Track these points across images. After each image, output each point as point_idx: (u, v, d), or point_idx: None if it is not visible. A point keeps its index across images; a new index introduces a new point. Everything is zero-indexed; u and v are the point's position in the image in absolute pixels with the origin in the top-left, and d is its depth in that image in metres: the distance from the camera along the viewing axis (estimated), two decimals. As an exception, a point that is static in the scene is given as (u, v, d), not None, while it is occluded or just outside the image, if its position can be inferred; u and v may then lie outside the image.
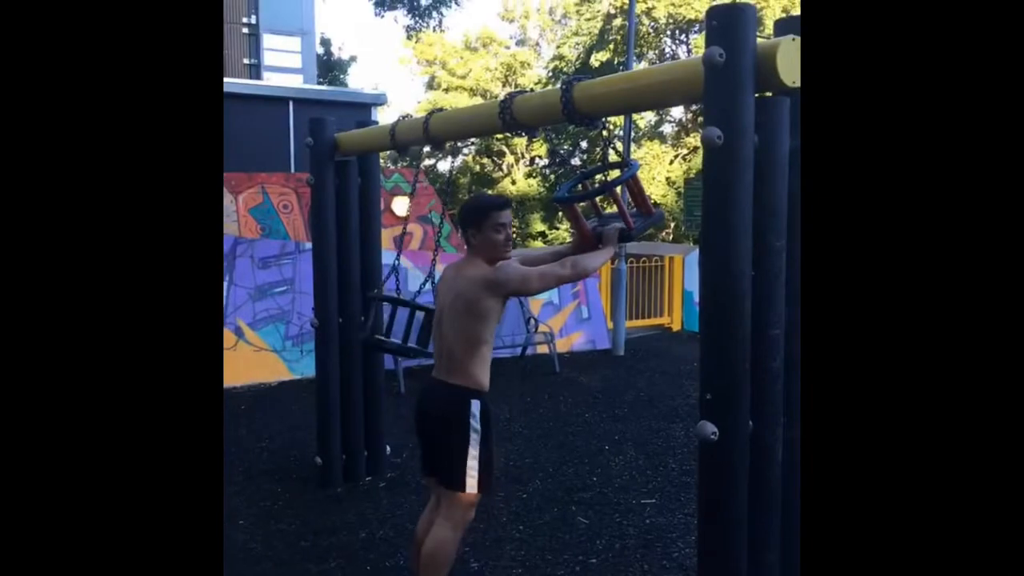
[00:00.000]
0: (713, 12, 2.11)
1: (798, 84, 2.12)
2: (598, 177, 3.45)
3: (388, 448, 4.74)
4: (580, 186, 3.23)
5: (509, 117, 3.03)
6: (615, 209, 3.12)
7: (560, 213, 27.17)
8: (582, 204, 3.10)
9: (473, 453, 2.72)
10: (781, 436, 2.30)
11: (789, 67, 2.09)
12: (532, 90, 3.14)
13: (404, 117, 3.98)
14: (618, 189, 3.45)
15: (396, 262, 5.26)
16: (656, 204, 3.13)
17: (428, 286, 5.12)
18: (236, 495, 4.31)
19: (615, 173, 3.13)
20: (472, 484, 2.73)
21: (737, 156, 2.08)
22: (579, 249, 2.94)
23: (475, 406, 2.73)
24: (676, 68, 2.38)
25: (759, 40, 2.12)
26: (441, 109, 3.89)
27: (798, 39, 2.11)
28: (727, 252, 2.12)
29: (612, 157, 3.14)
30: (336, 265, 4.46)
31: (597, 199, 3.22)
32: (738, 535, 2.23)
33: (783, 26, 2.22)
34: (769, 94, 2.19)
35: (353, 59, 29.41)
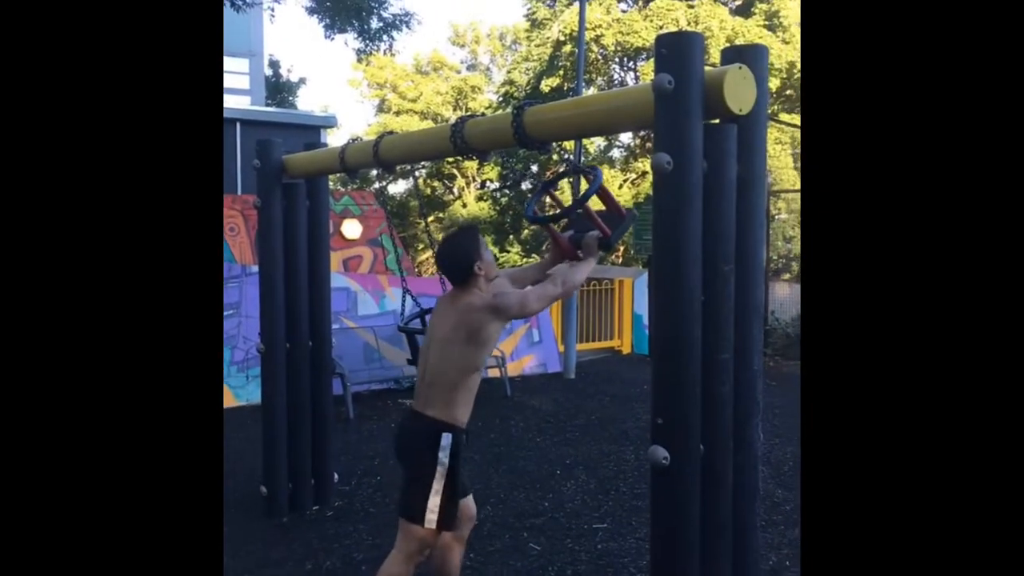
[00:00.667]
0: (662, 40, 2.13)
1: (745, 111, 2.16)
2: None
3: (336, 476, 4.64)
4: (548, 199, 3.25)
5: (460, 141, 3.02)
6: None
7: (511, 236, 27.30)
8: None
9: (436, 488, 2.65)
10: (731, 460, 2.31)
11: (736, 95, 2.12)
12: (483, 114, 3.14)
13: (354, 140, 3.95)
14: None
15: (405, 289, 5.31)
16: (628, 208, 3.15)
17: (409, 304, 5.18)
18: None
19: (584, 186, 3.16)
20: (431, 520, 2.66)
21: (687, 181, 2.10)
22: (557, 261, 2.96)
23: (446, 439, 2.68)
24: (625, 94, 2.40)
25: (707, 68, 2.15)
26: (391, 132, 3.86)
27: (745, 67, 2.15)
28: (677, 277, 2.13)
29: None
30: (284, 289, 4.37)
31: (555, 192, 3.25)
32: (691, 559, 2.22)
33: (730, 55, 2.26)
34: (717, 121, 2.22)
35: (303, 81, 29.21)
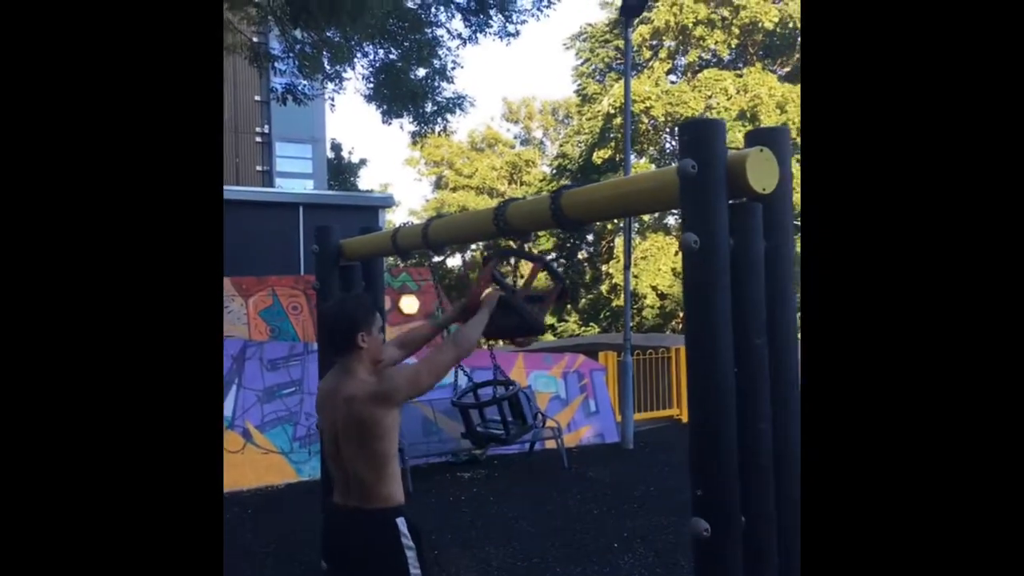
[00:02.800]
0: (684, 127, 2.26)
1: (769, 190, 2.25)
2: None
3: (394, 551, 4.70)
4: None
5: (503, 223, 3.17)
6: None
7: (568, 306, 27.32)
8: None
9: (415, 572, 2.55)
10: (775, 531, 2.32)
11: (758, 175, 2.22)
12: (525, 197, 3.30)
13: (405, 224, 4.15)
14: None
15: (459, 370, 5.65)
16: (562, 279, 3.28)
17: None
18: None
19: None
20: None
21: (713, 259, 2.19)
22: (458, 319, 2.98)
23: (402, 525, 2.57)
24: (653, 177, 2.52)
25: (731, 151, 2.26)
26: (441, 215, 4.06)
27: (766, 150, 2.25)
28: (710, 351, 2.20)
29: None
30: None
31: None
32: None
33: (753, 137, 2.37)
34: (744, 199, 2.32)
35: (363, 162, 30.32)
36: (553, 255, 30.18)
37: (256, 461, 7.02)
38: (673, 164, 2.34)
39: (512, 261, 3.71)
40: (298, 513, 6.09)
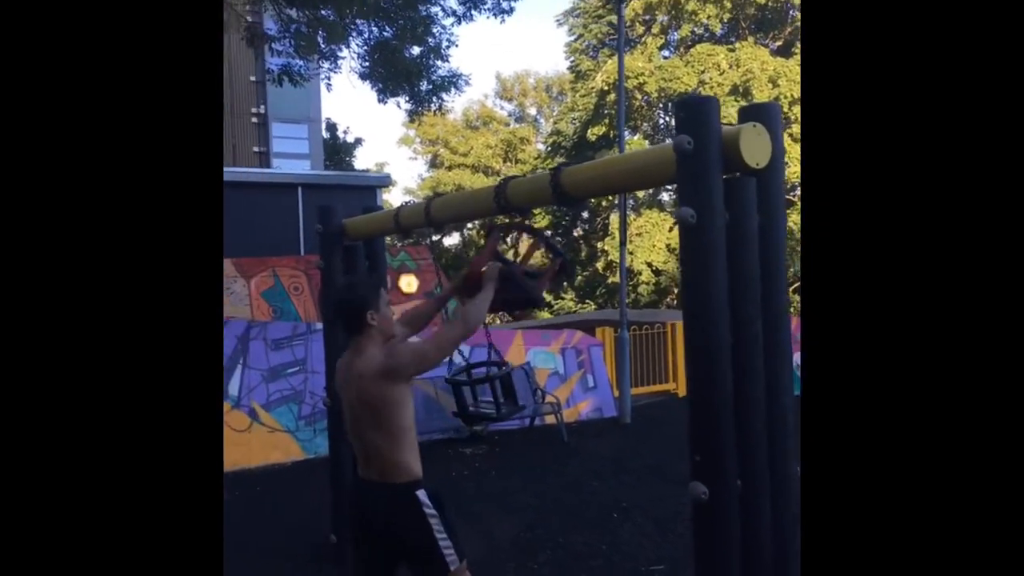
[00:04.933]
0: (680, 105, 2.34)
1: (762, 165, 2.33)
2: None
3: (400, 523, 4.81)
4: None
5: (504, 201, 3.25)
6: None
7: (564, 283, 27.39)
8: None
9: (441, 536, 2.63)
10: (769, 494, 2.42)
11: (752, 151, 2.30)
12: (533, 170, 3.37)
13: (407, 202, 4.22)
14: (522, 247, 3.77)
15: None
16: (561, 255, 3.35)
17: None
18: (252, 575, 4.39)
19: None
20: (453, 558, 2.64)
21: (709, 232, 2.27)
22: (460, 291, 3.07)
23: (423, 496, 2.66)
24: (649, 154, 2.60)
25: (724, 126, 2.34)
26: (440, 194, 4.13)
27: (759, 125, 2.33)
28: (706, 323, 2.29)
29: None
30: (346, 345, 4.62)
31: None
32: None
33: (746, 114, 2.44)
34: (737, 174, 2.40)
35: (359, 141, 30.21)
36: (548, 233, 30.23)
37: (262, 439, 7.13)
38: (668, 141, 2.41)
39: (511, 238, 3.80)
40: (305, 490, 6.20)
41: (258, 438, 7.11)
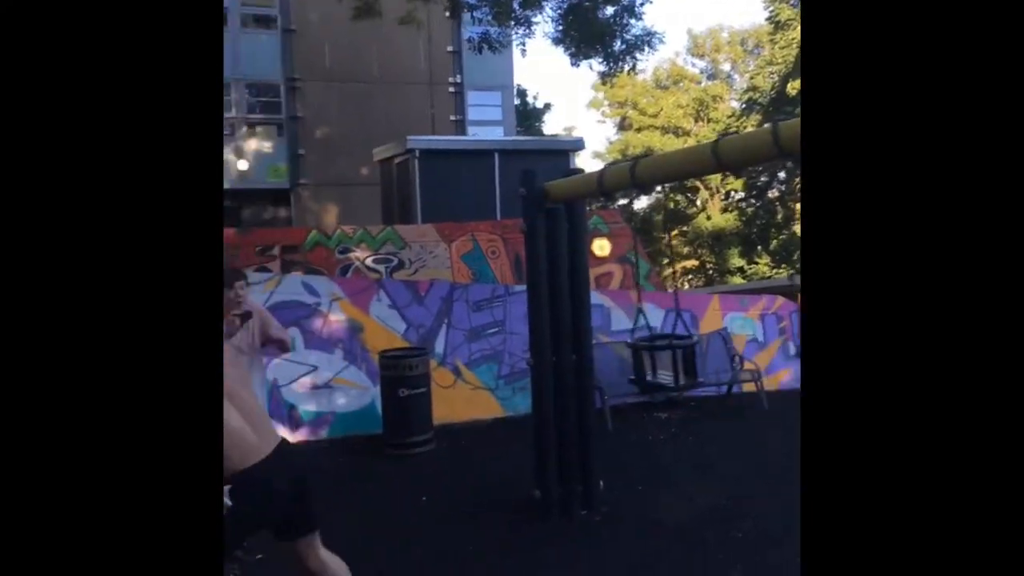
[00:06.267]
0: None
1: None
2: None
3: (601, 483, 4.89)
4: None
5: (716, 159, 3.15)
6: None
7: (759, 247, 26.25)
8: None
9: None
10: None
11: None
12: (735, 130, 3.24)
13: (612, 164, 4.22)
14: None
15: (639, 307, 5.82)
16: None
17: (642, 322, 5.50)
18: (464, 523, 4.65)
19: None
20: None
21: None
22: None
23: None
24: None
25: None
26: (647, 155, 4.07)
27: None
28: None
29: None
30: (549, 307, 4.72)
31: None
32: None
33: None
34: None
35: (548, 106, 30.46)
36: (741, 195, 29.02)
37: (465, 396, 7.48)
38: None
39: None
40: (507, 446, 6.44)
41: (461, 394, 7.47)
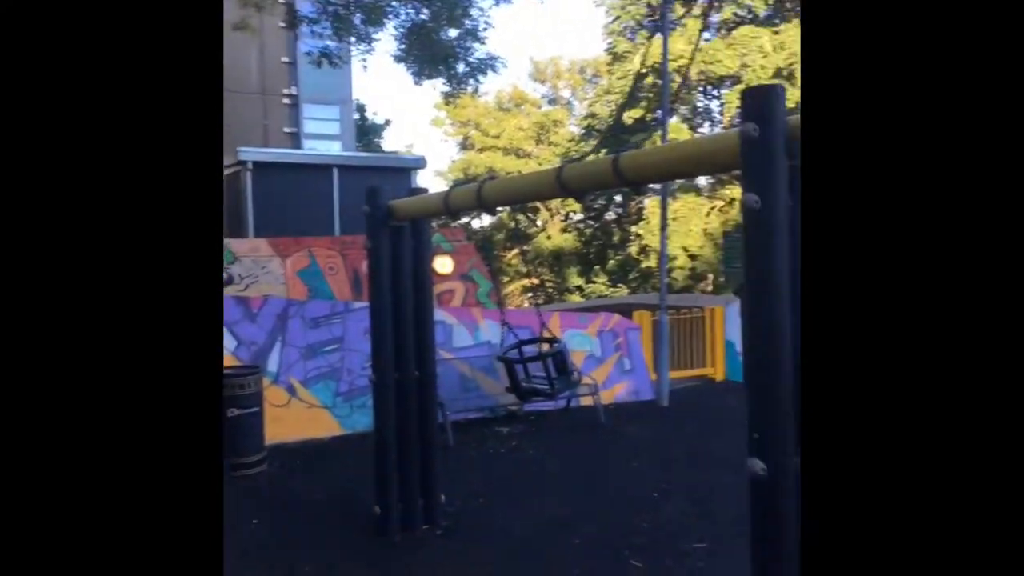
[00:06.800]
0: (747, 93, 2.36)
1: (826, 151, 2.35)
2: None
3: (443, 497, 4.91)
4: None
5: (562, 184, 3.29)
6: None
7: (596, 267, 27.40)
8: None
9: None
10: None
11: (817, 137, 2.32)
12: (581, 157, 3.40)
13: (458, 184, 4.28)
14: None
15: (504, 321, 6.07)
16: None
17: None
18: (300, 546, 4.52)
19: None
20: None
21: (773, 218, 2.30)
22: None
23: None
24: (713, 140, 2.63)
25: (789, 117, 2.36)
26: (491, 175, 4.18)
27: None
28: (768, 305, 2.33)
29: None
30: (392, 324, 4.71)
31: None
32: (789, 569, 2.38)
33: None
34: (797, 162, 2.42)
35: (388, 123, 30.30)
36: (580, 216, 30.18)
37: (301, 415, 7.28)
38: (733, 128, 2.43)
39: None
40: (345, 464, 6.32)
41: (296, 413, 7.25)
